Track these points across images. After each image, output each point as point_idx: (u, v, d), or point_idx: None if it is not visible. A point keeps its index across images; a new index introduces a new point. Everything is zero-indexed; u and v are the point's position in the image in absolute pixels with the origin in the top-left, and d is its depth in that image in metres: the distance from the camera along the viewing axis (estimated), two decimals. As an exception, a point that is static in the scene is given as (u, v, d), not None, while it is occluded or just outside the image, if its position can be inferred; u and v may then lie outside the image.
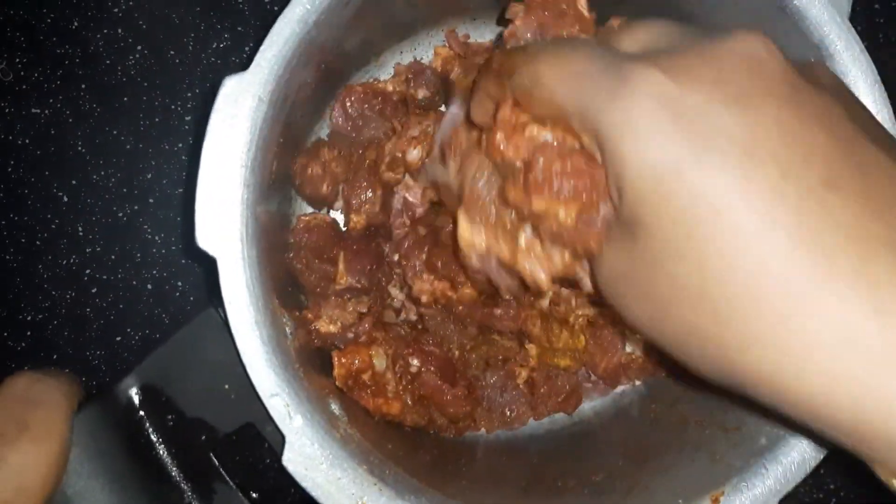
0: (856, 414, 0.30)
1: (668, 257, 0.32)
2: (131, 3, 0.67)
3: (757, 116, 0.31)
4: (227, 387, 0.45)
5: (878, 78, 0.46)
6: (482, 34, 0.64)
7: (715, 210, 0.30)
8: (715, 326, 0.32)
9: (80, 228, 0.66)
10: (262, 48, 0.44)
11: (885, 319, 0.29)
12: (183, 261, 0.67)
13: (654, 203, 0.32)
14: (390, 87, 0.58)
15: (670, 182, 0.31)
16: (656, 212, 0.32)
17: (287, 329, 0.48)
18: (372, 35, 0.57)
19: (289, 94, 0.47)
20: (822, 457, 0.45)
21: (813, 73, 0.35)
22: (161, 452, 0.45)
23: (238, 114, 0.44)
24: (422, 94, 0.57)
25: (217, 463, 0.46)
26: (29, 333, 0.65)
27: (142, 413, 0.45)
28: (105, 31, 0.66)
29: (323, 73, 0.53)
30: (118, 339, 0.66)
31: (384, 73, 0.63)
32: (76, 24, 0.66)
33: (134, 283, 0.66)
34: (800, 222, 0.30)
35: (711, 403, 0.53)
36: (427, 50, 0.63)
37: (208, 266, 0.43)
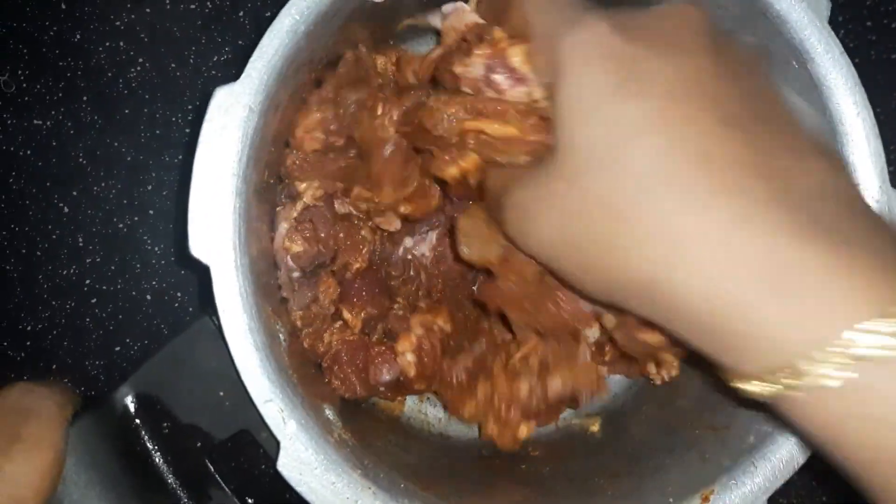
0: (710, 314, 0.33)
1: (585, 173, 0.36)
2: (133, 17, 0.67)
3: (679, 63, 0.36)
4: (221, 394, 0.45)
5: (858, 80, 0.47)
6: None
7: (631, 133, 0.35)
8: (613, 233, 0.36)
9: (80, 239, 0.66)
10: (252, 58, 0.45)
11: (746, 231, 0.32)
12: (182, 271, 0.67)
13: (578, 123, 0.36)
14: None
15: (597, 105, 0.36)
16: (579, 132, 0.36)
17: (280, 335, 0.48)
18: (362, 42, 0.57)
19: (279, 104, 0.47)
20: (809, 454, 0.45)
21: (735, 42, 0.40)
22: (157, 460, 0.45)
23: (229, 123, 0.44)
24: None
25: (213, 469, 0.46)
26: (28, 343, 0.66)
27: (137, 421, 0.45)
28: (107, 43, 0.67)
29: (313, 82, 0.54)
30: (117, 349, 0.66)
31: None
32: (78, 36, 0.67)
33: (133, 293, 0.67)
34: (696, 150, 0.34)
35: (702, 404, 0.53)
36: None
37: (202, 274, 0.44)
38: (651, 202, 0.34)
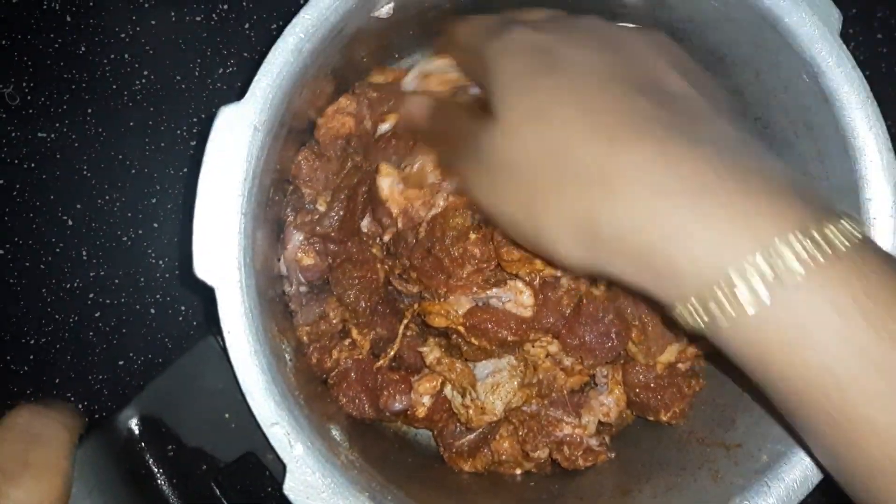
0: (642, 244, 0.35)
1: (519, 130, 0.40)
2: (138, 29, 0.67)
3: (586, 53, 0.41)
4: (227, 416, 0.45)
5: (871, 94, 0.46)
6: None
7: (554, 99, 0.39)
8: (550, 178, 0.38)
9: (84, 252, 0.66)
10: (256, 77, 0.45)
11: (663, 165, 0.35)
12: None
13: (509, 97, 0.40)
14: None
15: (521, 85, 0.40)
16: (511, 101, 0.40)
17: (286, 355, 0.48)
18: (363, 59, 0.57)
19: (284, 122, 0.47)
20: (823, 475, 0.45)
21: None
22: (162, 483, 0.45)
23: (233, 143, 0.44)
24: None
25: (218, 492, 0.45)
26: (31, 357, 0.65)
27: (142, 444, 0.45)
28: (112, 55, 0.67)
29: (318, 98, 0.53)
30: (121, 363, 0.66)
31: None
32: (83, 48, 0.67)
33: (137, 307, 0.66)
34: (613, 108, 0.38)
35: (713, 421, 0.53)
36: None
37: (207, 295, 0.43)
38: (579, 147, 0.37)
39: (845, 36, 0.47)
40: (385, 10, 0.49)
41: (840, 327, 0.32)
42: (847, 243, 0.33)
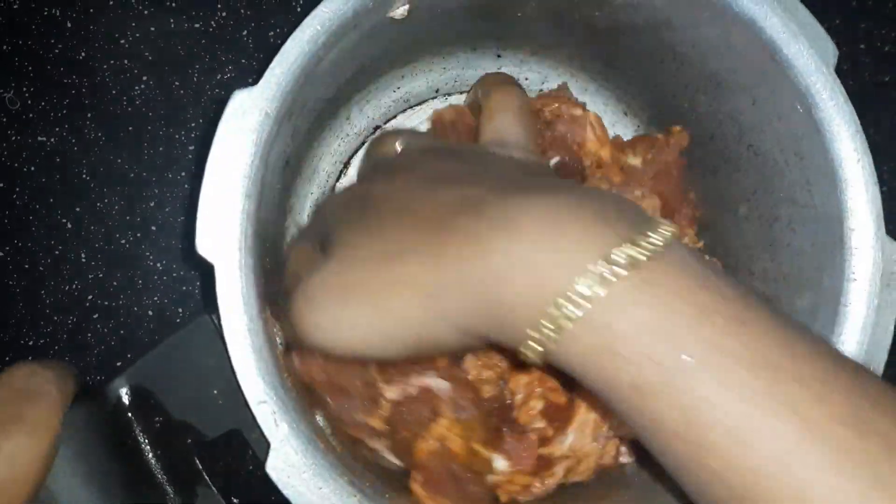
0: (486, 280, 0.36)
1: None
2: (138, 35, 0.68)
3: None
4: (215, 392, 0.45)
5: (860, 128, 0.47)
6: (480, 64, 0.65)
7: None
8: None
9: (83, 255, 0.67)
10: (271, 65, 0.46)
11: (490, 211, 0.37)
12: (184, 287, 0.67)
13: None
14: None
15: None
16: None
17: (278, 339, 0.48)
18: (376, 58, 0.58)
19: (294, 111, 0.48)
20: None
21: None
22: (147, 454, 0.45)
23: (244, 126, 0.44)
24: None
25: (201, 467, 0.46)
26: (30, 358, 0.65)
27: (130, 414, 0.45)
28: (112, 62, 0.68)
29: (328, 93, 0.54)
30: (118, 364, 0.66)
31: (384, 96, 0.65)
32: (83, 54, 0.68)
33: (135, 309, 0.67)
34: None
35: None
36: (426, 75, 0.65)
37: (207, 274, 0.44)
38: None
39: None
40: (400, 12, 0.50)
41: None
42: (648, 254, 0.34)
